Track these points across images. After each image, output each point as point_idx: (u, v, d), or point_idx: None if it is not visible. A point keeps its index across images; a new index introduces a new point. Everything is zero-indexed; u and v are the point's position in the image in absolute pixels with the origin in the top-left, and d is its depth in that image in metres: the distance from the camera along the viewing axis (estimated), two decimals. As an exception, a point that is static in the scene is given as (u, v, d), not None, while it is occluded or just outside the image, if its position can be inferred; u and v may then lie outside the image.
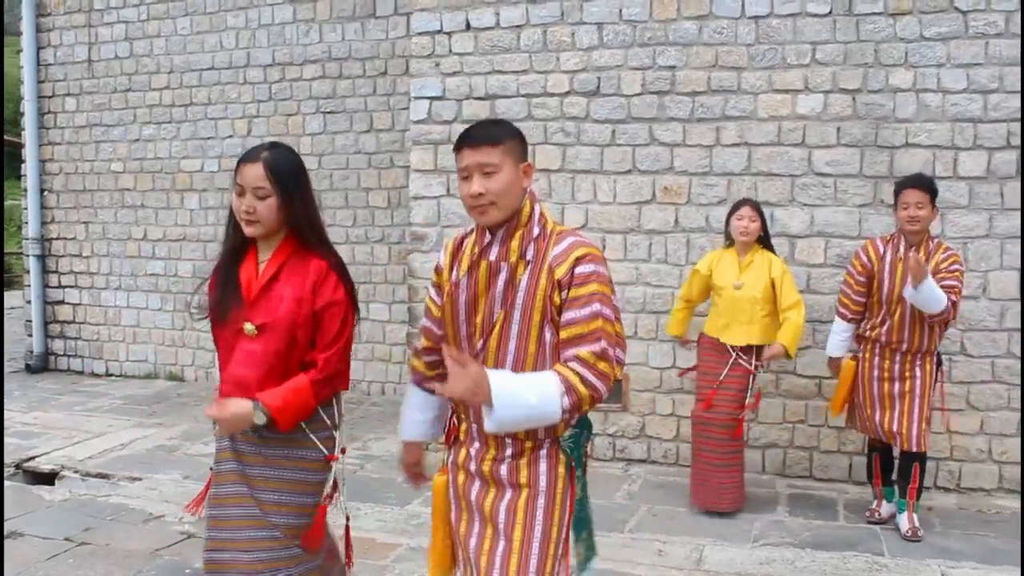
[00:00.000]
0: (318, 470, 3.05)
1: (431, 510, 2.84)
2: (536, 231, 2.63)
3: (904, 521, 5.16)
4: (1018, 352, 5.83)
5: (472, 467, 2.70)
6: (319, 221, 3.08)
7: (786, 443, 6.23)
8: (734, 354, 5.42)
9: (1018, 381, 5.83)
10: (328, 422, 3.07)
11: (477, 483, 2.70)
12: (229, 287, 3.01)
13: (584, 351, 2.47)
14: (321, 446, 3.03)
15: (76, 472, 6.27)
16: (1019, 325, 5.81)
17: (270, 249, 3.02)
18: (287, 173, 2.94)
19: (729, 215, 5.54)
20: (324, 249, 3.05)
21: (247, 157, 2.94)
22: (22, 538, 5.08)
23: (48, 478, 6.28)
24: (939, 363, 5.25)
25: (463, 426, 2.75)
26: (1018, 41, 5.70)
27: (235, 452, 3.03)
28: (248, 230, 2.95)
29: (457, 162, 2.62)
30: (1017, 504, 5.71)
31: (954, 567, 4.72)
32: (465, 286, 2.65)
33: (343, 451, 3.14)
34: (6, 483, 6.04)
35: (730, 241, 5.58)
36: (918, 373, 5.13)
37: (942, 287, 4.86)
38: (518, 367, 2.57)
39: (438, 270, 2.80)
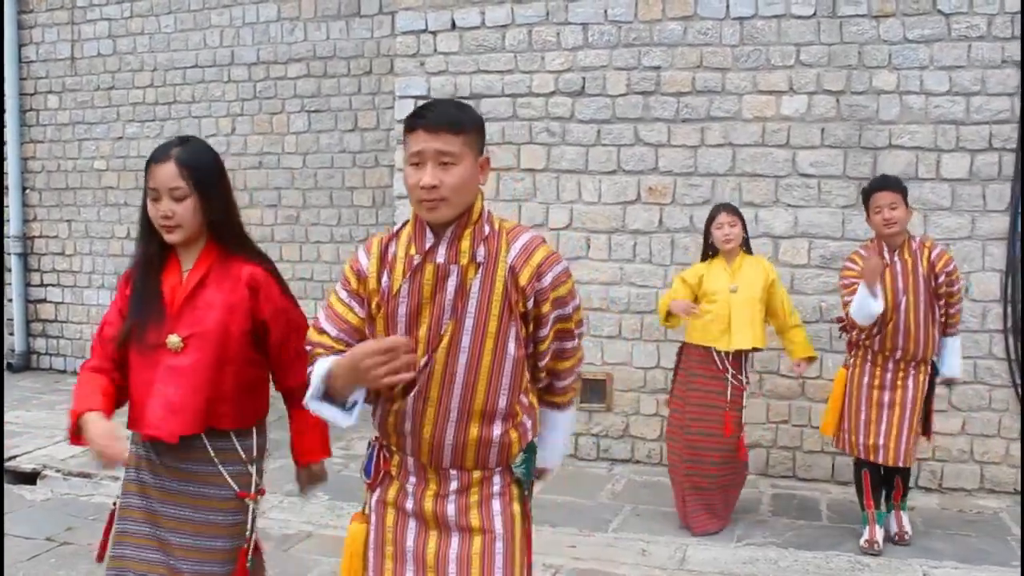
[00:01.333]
0: (230, 510, 2.72)
1: (340, 567, 2.46)
2: (487, 230, 2.31)
3: (892, 524, 5.12)
4: (1000, 353, 5.87)
5: (408, 505, 2.36)
6: (240, 221, 2.81)
7: (769, 443, 6.25)
8: (727, 369, 5.16)
9: (999, 382, 5.87)
10: (243, 455, 2.75)
11: (413, 524, 2.35)
12: (150, 301, 2.68)
13: (573, 378, 2.55)
14: (232, 482, 2.71)
15: (58, 471, 6.23)
16: (1001, 326, 5.85)
17: (192, 256, 2.72)
18: (204, 169, 2.66)
19: (708, 224, 5.31)
20: (251, 252, 2.79)
21: (156, 156, 2.63)
22: (3, 538, 5.05)
23: (29, 477, 6.24)
24: (935, 372, 5.02)
25: (395, 459, 2.39)
26: (999, 44, 5.74)
27: (140, 485, 2.74)
28: (169, 237, 2.66)
29: (407, 143, 2.27)
30: (998, 504, 5.75)
31: (936, 567, 4.75)
32: (406, 294, 2.29)
33: (261, 492, 2.80)
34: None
35: (712, 252, 5.32)
36: (910, 384, 4.90)
37: (955, 317, 4.94)
38: (469, 386, 2.27)
39: (360, 274, 2.37)
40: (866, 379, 5.01)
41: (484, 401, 2.29)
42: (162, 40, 9.18)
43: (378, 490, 2.42)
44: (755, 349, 5.29)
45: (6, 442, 6.84)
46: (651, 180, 6.36)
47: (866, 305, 4.68)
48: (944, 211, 5.87)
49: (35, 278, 10.05)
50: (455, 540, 2.31)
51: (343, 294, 2.39)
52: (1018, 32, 5.72)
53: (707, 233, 5.31)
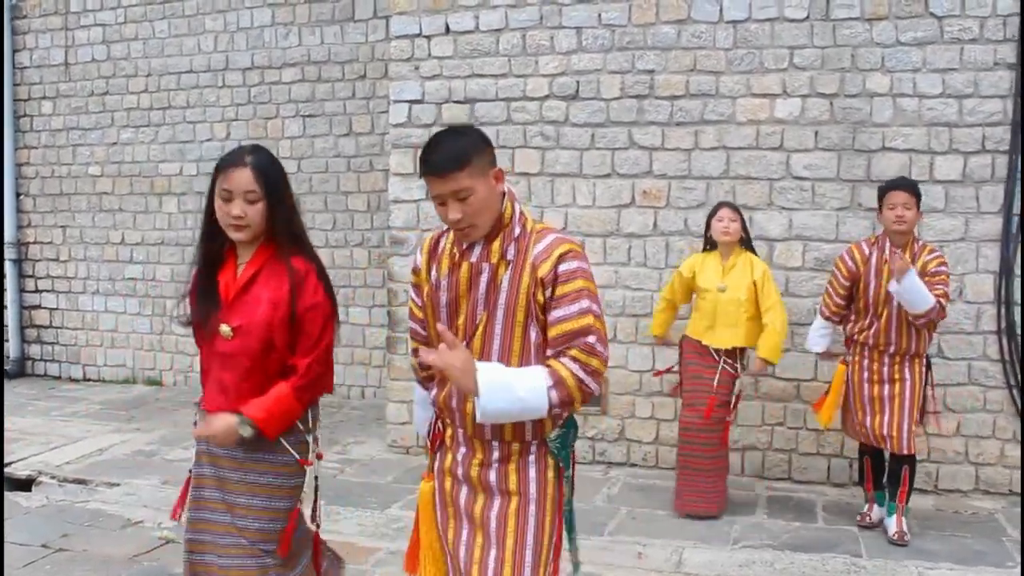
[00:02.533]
0: (291, 474, 3.02)
1: (415, 517, 2.84)
2: (517, 231, 2.58)
3: (892, 524, 5.15)
4: (994, 355, 5.88)
5: (459, 472, 2.67)
6: (301, 224, 3.08)
7: (765, 445, 6.26)
8: (719, 358, 5.39)
9: (993, 383, 5.89)
10: (301, 427, 3.03)
11: (465, 489, 2.67)
12: (209, 292, 2.98)
13: (575, 349, 2.45)
14: (293, 451, 3.00)
15: (53, 478, 6.22)
16: (995, 328, 5.87)
17: (249, 252, 2.99)
18: (275, 177, 2.94)
19: (709, 218, 5.53)
20: (305, 253, 3.03)
21: (232, 161, 2.89)
22: (2, 544, 5.03)
23: (25, 484, 6.22)
24: (928, 366, 5.23)
25: (448, 431, 2.73)
26: (992, 46, 5.76)
27: (211, 456, 3.02)
28: (237, 235, 2.92)
29: (428, 186, 2.57)
30: (993, 505, 5.77)
31: (931, 568, 4.76)
32: (446, 288, 2.63)
33: (319, 456, 3.11)
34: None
35: (711, 245, 5.56)
36: (907, 376, 5.11)
37: (932, 292, 4.90)
38: (508, 365, 2.54)
39: (415, 270, 2.78)
40: (865, 374, 5.23)
41: None
42: (156, 45, 9.18)
43: (437, 459, 2.77)
44: (742, 348, 5.48)
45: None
46: (645, 183, 6.37)
47: (918, 294, 4.85)
48: (938, 213, 5.89)
49: (30, 284, 10.04)
50: (496, 501, 2.61)
51: (411, 291, 2.84)
52: (1010, 34, 5.74)
53: (708, 226, 5.54)
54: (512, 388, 2.39)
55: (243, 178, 2.86)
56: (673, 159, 6.30)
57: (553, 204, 6.53)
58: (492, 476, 2.62)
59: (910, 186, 5.07)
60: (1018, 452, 5.83)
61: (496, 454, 2.62)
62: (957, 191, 5.88)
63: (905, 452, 5.09)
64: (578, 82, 6.44)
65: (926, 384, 5.20)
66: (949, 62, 5.84)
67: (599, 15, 6.37)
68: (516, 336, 2.54)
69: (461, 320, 2.60)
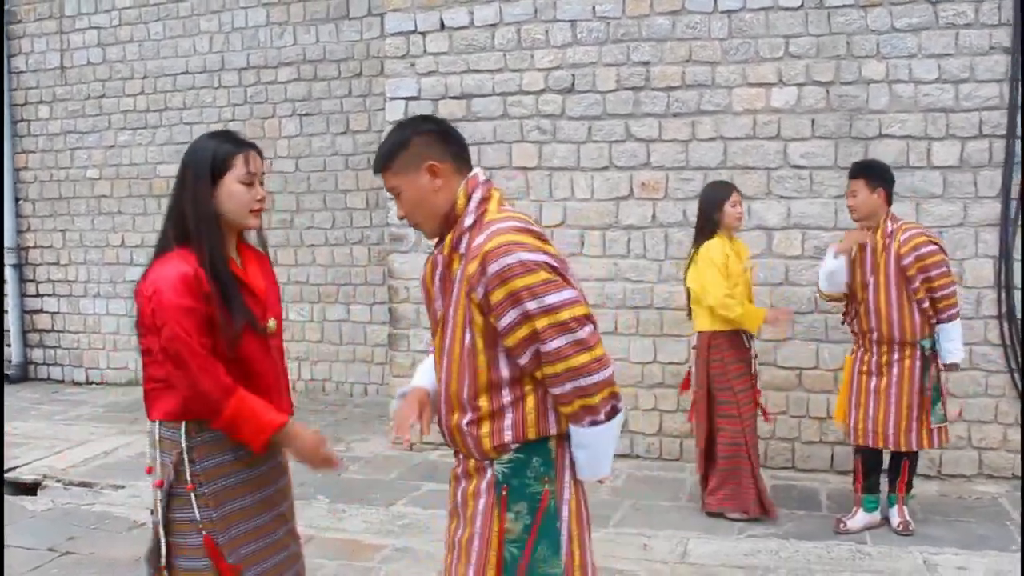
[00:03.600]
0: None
1: None
2: (468, 221, 2.39)
3: (895, 515, 5.10)
4: (995, 339, 5.89)
5: (454, 478, 2.55)
6: None
7: (768, 435, 6.25)
8: (752, 346, 5.34)
9: (995, 368, 5.89)
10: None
11: (451, 501, 2.56)
12: (242, 291, 2.68)
13: (547, 365, 2.26)
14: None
15: (58, 481, 6.23)
16: (995, 312, 5.87)
17: (232, 244, 2.75)
18: None
19: (718, 202, 5.24)
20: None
21: (247, 144, 2.71)
22: (5, 549, 5.04)
23: (30, 488, 6.24)
24: (925, 356, 4.94)
25: None
26: (987, 31, 5.76)
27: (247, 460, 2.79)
28: (256, 222, 2.74)
29: None
30: (996, 489, 5.77)
31: (936, 554, 4.76)
32: (421, 283, 2.57)
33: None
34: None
35: (710, 230, 5.27)
36: (895, 370, 4.95)
37: (941, 303, 4.89)
38: (448, 371, 2.42)
39: None
40: (858, 364, 5.13)
41: (457, 388, 2.41)
42: (152, 47, 9.18)
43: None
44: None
45: (5, 453, 6.84)
46: (643, 175, 6.37)
47: (825, 265, 5.05)
48: (936, 199, 5.89)
49: (31, 288, 10.05)
50: (459, 525, 2.46)
51: None
52: (1005, 18, 5.73)
53: (714, 210, 5.25)
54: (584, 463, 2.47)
55: (259, 161, 2.73)
56: (670, 150, 6.30)
57: (551, 198, 6.53)
58: (459, 495, 2.47)
59: (855, 170, 5.03)
60: (1020, 436, 5.83)
61: (461, 467, 2.47)
62: (955, 176, 5.87)
63: (891, 448, 4.99)
64: (574, 75, 6.44)
65: (924, 377, 4.94)
66: (945, 47, 5.83)
67: (593, 8, 6.37)
68: (456, 337, 2.38)
69: (433, 316, 2.50)
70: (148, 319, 2.57)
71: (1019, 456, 5.83)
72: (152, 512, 2.69)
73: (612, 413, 2.35)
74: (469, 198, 2.40)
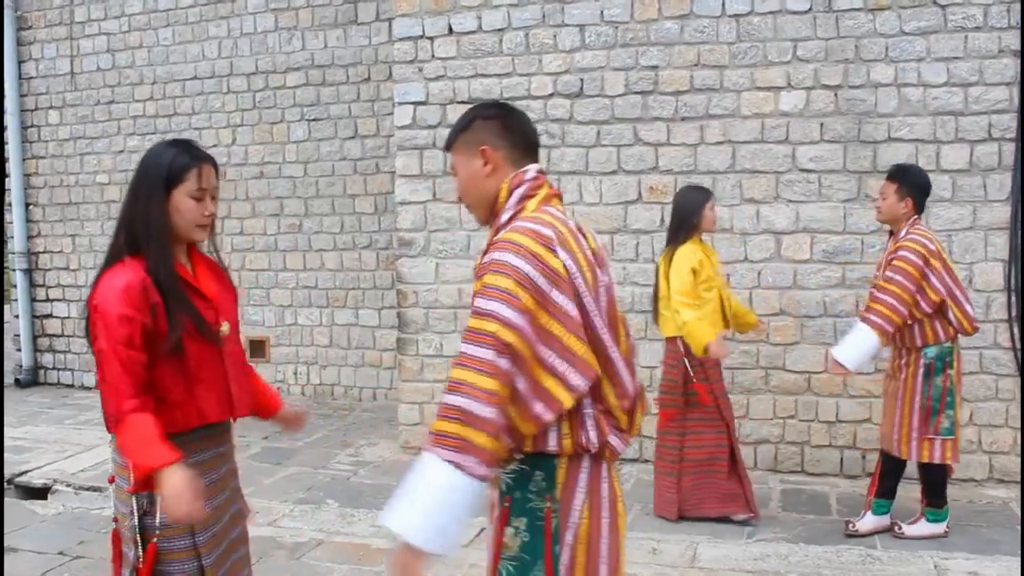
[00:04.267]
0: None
1: None
2: (504, 217, 2.33)
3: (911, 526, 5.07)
4: (1005, 343, 5.87)
5: None
6: None
7: (777, 439, 6.26)
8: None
9: (1005, 371, 5.87)
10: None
11: None
12: (193, 295, 2.68)
13: (455, 365, 2.11)
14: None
15: (69, 486, 6.25)
16: (1005, 316, 5.86)
17: (183, 251, 2.77)
18: None
19: (697, 206, 5.20)
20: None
21: (203, 157, 2.69)
22: (16, 553, 5.07)
23: (41, 492, 6.26)
24: (926, 362, 4.84)
25: None
26: (996, 34, 5.75)
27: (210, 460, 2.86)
28: (203, 235, 2.73)
29: None
30: (1007, 493, 5.75)
31: (946, 558, 4.75)
32: None
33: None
34: (-2, 499, 6.04)
35: (686, 234, 5.22)
36: (902, 374, 4.93)
37: (871, 301, 4.84)
38: None
39: None
40: (887, 367, 5.19)
41: None
42: (161, 53, 9.21)
43: None
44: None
45: (16, 458, 6.87)
46: (652, 179, 6.37)
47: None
48: (945, 202, 5.88)
49: (40, 293, 10.08)
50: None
51: None
52: (1014, 21, 5.72)
53: (693, 214, 5.21)
54: (421, 504, 2.03)
55: (213, 173, 2.71)
56: (679, 154, 6.30)
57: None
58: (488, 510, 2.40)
59: (894, 174, 4.95)
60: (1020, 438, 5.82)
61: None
62: (964, 180, 5.86)
63: (901, 457, 4.95)
64: (582, 80, 6.44)
65: (926, 385, 4.84)
66: (953, 50, 5.83)
67: (601, 12, 6.38)
68: None
69: None
70: (92, 328, 2.63)
71: (1020, 458, 5.82)
72: (117, 519, 2.70)
73: (447, 459, 2.01)
74: (511, 193, 2.35)
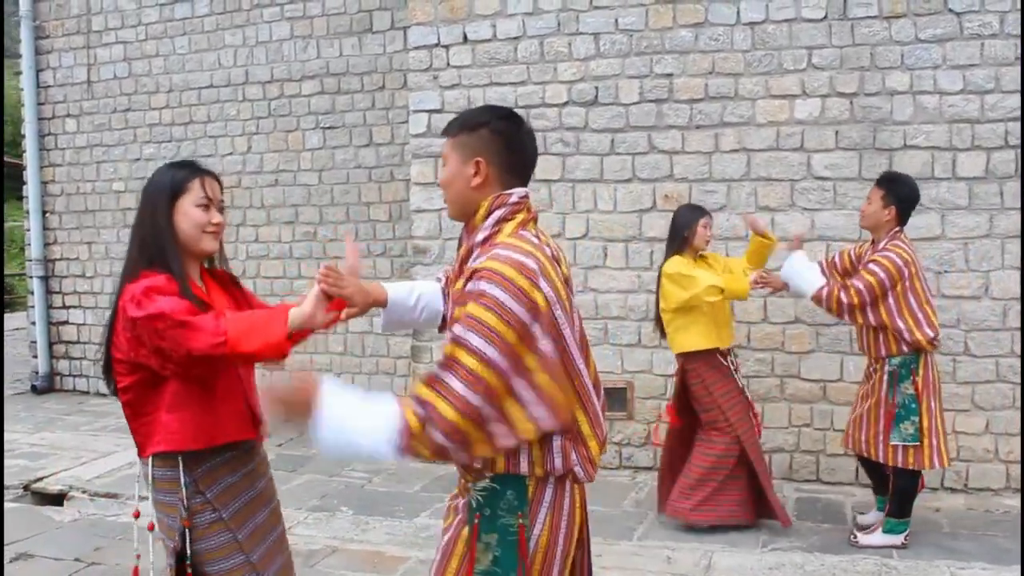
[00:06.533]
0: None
1: None
2: (479, 236, 2.31)
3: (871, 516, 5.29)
4: (1020, 351, 5.84)
5: None
6: None
7: (792, 447, 6.24)
8: (732, 363, 5.36)
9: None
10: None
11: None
12: (206, 309, 2.67)
13: (426, 384, 2.12)
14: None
15: (84, 492, 6.27)
16: (1020, 324, 5.82)
17: (195, 268, 2.83)
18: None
19: (691, 223, 5.26)
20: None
21: (204, 170, 2.78)
22: (32, 559, 5.09)
23: (57, 499, 6.28)
24: (897, 372, 4.88)
25: None
26: (1012, 41, 5.73)
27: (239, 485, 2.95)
28: (214, 244, 2.78)
29: None
30: (1025, 503, 5.73)
31: (963, 568, 4.72)
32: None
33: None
34: (14, 505, 6.06)
35: (679, 249, 5.29)
36: (871, 380, 5.06)
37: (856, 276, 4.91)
38: None
39: None
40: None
41: None
42: (177, 61, 9.26)
43: None
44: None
45: (32, 464, 6.90)
46: (666, 187, 6.37)
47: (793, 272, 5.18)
48: (961, 210, 5.86)
49: (57, 300, 10.13)
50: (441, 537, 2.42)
51: None
52: (1031, 29, 5.71)
53: (685, 229, 5.28)
54: (346, 429, 2.11)
55: (218, 186, 2.79)
56: (694, 162, 6.30)
57: (574, 210, 6.54)
58: (447, 505, 2.44)
59: (882, 181, 5.01)
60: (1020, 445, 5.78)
61: (459, 483, 2.40)
62: (980, 187, 5.84)
63: (869, 456, 5.05)
64: (597, 88, 6.45)
65: (890, 392, 4.89)
66: (969, 58, 5.81)
67: (616, 20, 6.38)
68: None
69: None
70: (129, 323, 2.63)
71: (1020, 465, 5.78)
72: (171, 550, 2.79)
73: (394, 444, 2.11)
74: (490, 213, 2.31)
